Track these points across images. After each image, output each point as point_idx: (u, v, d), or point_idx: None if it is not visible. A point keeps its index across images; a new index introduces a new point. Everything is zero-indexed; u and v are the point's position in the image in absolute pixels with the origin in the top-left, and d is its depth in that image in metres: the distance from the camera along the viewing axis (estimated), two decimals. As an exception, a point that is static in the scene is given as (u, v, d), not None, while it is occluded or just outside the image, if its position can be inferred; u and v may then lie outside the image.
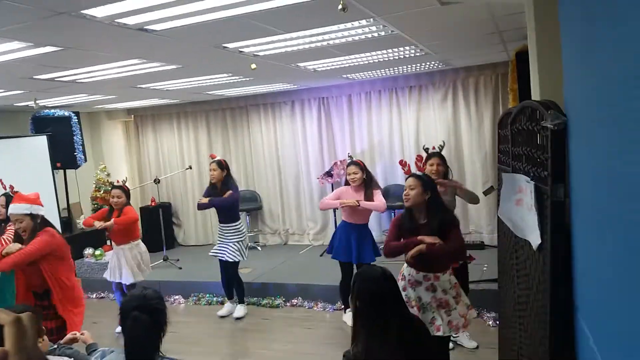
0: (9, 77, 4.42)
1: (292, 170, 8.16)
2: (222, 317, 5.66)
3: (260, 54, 4.30)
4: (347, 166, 4.94)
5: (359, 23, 3.53)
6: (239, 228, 5.47)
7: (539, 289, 2.12)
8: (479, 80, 6.94)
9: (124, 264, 5.20)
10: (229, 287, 5.65)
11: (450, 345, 3.98)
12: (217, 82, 5.99)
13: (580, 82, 1.67)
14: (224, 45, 3.86)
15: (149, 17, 2.88)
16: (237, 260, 5.42)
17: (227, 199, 5.29)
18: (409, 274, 3.38)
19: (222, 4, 2.75)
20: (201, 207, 5.44)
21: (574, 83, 1.77)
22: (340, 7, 2.71)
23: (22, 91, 5.34)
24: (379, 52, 4.87)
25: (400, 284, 3.41)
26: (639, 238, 1.09)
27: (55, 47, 3.38)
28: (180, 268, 7.22)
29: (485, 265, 5.71)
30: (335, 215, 7.35)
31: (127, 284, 5.20)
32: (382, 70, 6.32)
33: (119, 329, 2.63)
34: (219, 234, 5.52)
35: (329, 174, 7.31)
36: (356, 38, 4.00)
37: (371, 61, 5.32)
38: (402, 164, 3.76)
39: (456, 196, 4.38)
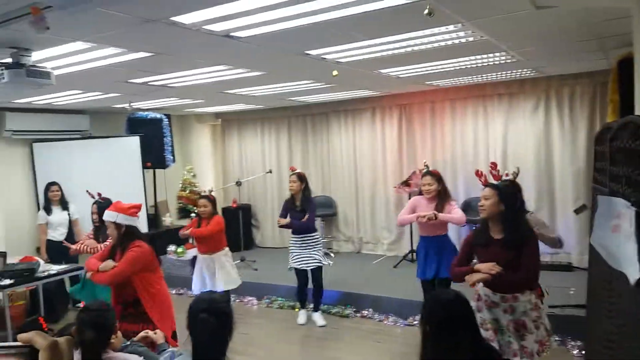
0: (105, 81, 4.71)
1: (369, 178, 8.07)
2: (302, 324, 5.69)
3: (343, 60, 4.27)
4: (423, 176, 4.78)
5: (446, 28, 3.40)
6: (318, 237, 5.62)
7: (635, 329, 1.90)
8: (574, 89, 6.49)
9: (213, 274, 5.35)
10: (316, 294, 5.66)
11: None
12: (299, 88, 6.05)
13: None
14: (306, 52, 3.87)
15: (234, 24, 2.95)
16: (326, 264, 5.56)
17: (305, 223, 5.44)
18: (485, 295, 3.18)
19: (305, 10, 2.74)
20: (281, 226, 5.61)
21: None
22: (426, 12, 2.62)
23: (117, 94, 5.69)
24: (465, 59, 4.68)
25: (476, 304, 3.23)
26: None
27: (147, 53, 3.55)
28: (256, 269, 7.35)
29: (572, 289, 5.29)
30: (411, 226, 7.15)
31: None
32: (469, 77, 6.09)
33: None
34: (296, 244, 5.54)
35: (406, 183, 7.14)
36: (442, 44, 3.86)
37: (457, 68, 5.13)
38: (478, 174, 3.56)
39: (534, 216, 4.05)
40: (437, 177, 4.63)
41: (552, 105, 6.65)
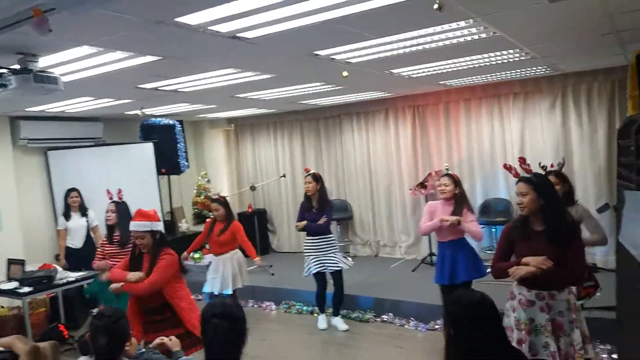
0: (115, 87, 4.72)
1: (384, 180, 7.99)
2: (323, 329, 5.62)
3: (352, 60, 4.21)
4: (441, 177, 4.70)
5: (457, 25, 3.32)
6: (334, 239, 5.56)
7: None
8: (591, 86, 6.35)
9: (224, 273, 5.42)
10: (337, 298, 5.57)
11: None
12: (310, 91, 6.01)
13: None
14: (315, 52, 3.82)
15: (240, 25, 2.90)
16: (346, 267, 5.49)
17: (323, 225, 5.39)
18: (520, 293, 3.05)
19: (312, 8, 2.69)
20: (300, 230, 5.58)
21: None
22: (436, 6, 2.55)
23: (129, 100, 5.70)
24: (479, 57, 4.59)
25: (510, 303, 3.12)
26: None
27: (155, 57, 3.54)
28: (273, 274, 7.31)
29: (599, 292, 5.13)
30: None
31: (227, 294, 5.37)
32: (483, 76, 5.98)
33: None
34: (311, 247, 5.46)
35: (422, 185, 7.04)
36: (454, 41, 3.78)
37: (470, 66, 5.03)
38: (507, 167, 3.46)
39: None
40: (455, 180, 4.53)
41: (569, 103, 6.51)
